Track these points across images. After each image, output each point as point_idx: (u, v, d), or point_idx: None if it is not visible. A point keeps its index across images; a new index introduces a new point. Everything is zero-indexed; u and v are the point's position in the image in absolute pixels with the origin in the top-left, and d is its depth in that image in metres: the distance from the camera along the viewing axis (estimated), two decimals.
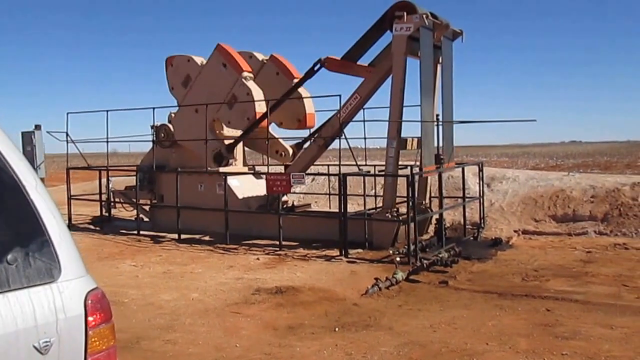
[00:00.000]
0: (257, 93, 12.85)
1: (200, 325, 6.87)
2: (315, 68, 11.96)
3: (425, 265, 9.32)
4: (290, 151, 14.12)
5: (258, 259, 10.59)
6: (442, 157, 11.49)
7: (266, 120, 12.49)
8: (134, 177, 14.51)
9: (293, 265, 9.97)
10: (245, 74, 12.99)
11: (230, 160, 13.51)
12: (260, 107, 12.65)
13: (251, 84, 12.96)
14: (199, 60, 13.78)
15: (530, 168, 38.32)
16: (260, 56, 14.05)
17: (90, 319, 2.71)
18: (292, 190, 13.97)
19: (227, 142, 13.46)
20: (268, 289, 8.36)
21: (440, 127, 11.57)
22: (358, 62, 12.26)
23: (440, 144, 11.60)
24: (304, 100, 13.40)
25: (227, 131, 13.83)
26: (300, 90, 13.25)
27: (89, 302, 2.72)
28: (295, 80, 13.08)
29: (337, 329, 6.63)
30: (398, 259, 9.20)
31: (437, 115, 11.65)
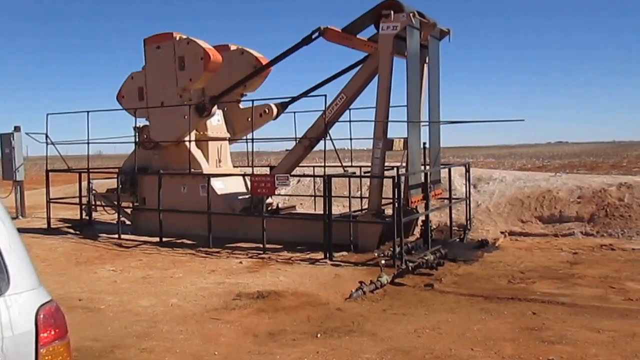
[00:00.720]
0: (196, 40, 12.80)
1: (178, 332, 6.66)
2: (314, 36, 11.43)
3: (410, 268, 9.17)
4: (275, 110, 13.86)
5: (241, 262, 10.38)
6: (431, 185, 11.33)
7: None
8: (119, 179, 14.24)
9: (276, 269, 9.77)
10: (176, 35, 12.90)
11: (213, 112, 13.23)
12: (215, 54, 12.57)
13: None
14: (141, 70, 13.70)
15: (517, 169, 38.40)
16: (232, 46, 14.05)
17: (42, 335, 2.49)
18: (277, 192, 13.79)
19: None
20: (249, 293, 8.16)
21: (427, 129, 11.44)
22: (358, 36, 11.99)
23: (427, 146, 11.48)
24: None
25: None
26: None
27: (41, 316, 2.51)
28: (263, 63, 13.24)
29: (319, 335, 6.45)
30: (383, 261, 9.04)
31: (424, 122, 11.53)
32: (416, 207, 12.35)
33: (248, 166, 15.49)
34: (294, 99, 13.70)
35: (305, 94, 13.34)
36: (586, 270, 9.30)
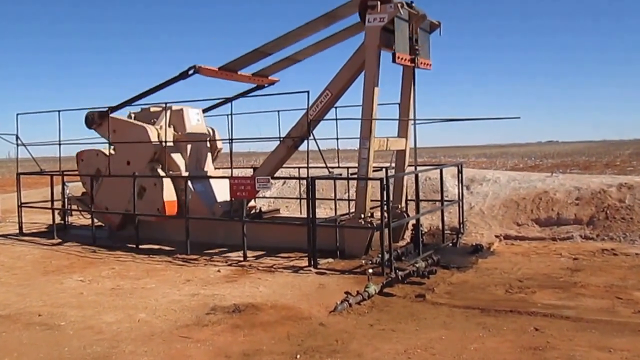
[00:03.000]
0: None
1: (142, 353, 5.97)
2: (190, 72, 11.69)
3: (400, 277, 8.51)
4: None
5: (219, 271, 9.69)
6: (417, 49, 10.56)
7: None
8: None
9: (256, 279, 9.08)
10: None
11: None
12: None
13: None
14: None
15: (510, 168, 37.92)
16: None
17: None
18: (261, 194, 13.12)
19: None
20: (225, 307, 7.47)
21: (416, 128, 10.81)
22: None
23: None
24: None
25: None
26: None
27: None
28: None
29: (299, 356, 5.78)
30: (371, 270, 8.37)
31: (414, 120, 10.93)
32: (406, 210, 11.72)
33: (234, 167, 14.83)
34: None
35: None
36: (589, 278, 8.67)
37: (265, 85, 13.43)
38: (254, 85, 13.44)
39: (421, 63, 10.76)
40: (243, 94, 13.64)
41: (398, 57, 9.97)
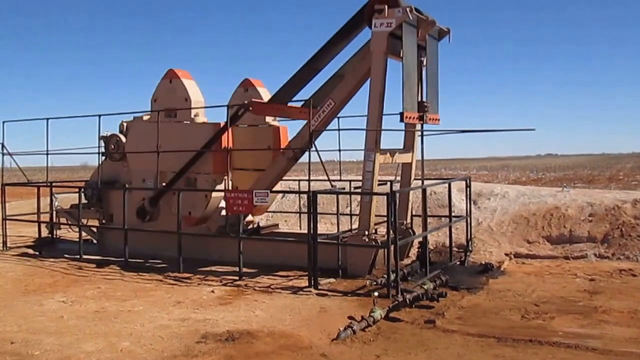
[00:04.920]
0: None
1: None
2: (240, 113, 10.96)
3: (408, 300, 7.88)
4: None
5: (213, 291, 9.04)
6: (426, 104, 10.02)
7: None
8: (85, 194, 12.94)
9: (253, 300, 8.44)
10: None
11: (156, 215, 11.98)
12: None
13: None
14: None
15: (512, 182, 37.41)
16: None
17: None
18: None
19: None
20: (217, 334, 6.83)
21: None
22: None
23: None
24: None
25: None
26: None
27: None
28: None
29: None
30: (376, 294, 7.73)
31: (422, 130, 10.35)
32: (411, 226, 11.10)
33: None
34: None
35: None
36: (610, 303, 8.05)
37: None
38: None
39: (429, 119, 10.19)
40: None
41: (406, 117, 9.44)
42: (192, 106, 11.56)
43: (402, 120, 9.43)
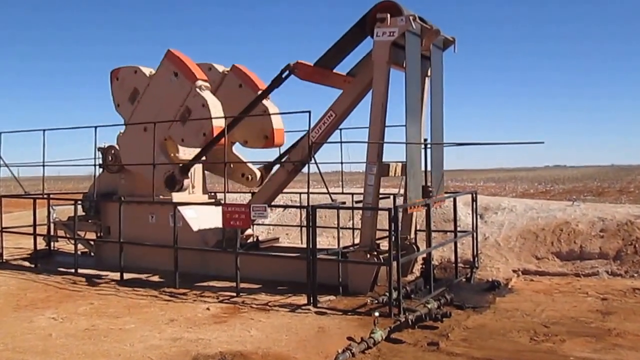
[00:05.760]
0: (214, 104, 11.10)
1: None
2: (284, 75, 10.24)
3: (410, 321, 7.51)
4: (258, 174, 12.45)
5: (208, 309, 8.71)
6: (430, 189, 9.79)
7: (225, 137, 10.67)
8: (80, 206, 12.70)
9: (249, 319, 8.10)
10: (199, 82, 11.27)
11: (186, 185, 11.61)
12: (219, 122, 10.88)
13: (207, 94, 11.19)
14: (148, 71, 12.02)
15: (521, 194, 36.91)
16: (220, 68, 12.31)
17: None
18: (261, 221, 12.19)
19: (181, 163, 11.66)
20: (209, 356, 6.51)
21: (429, 151, 9.89)
22: (334, 70, 10.60)
23: (429, 169, 9.93)
24: (271, 114, 11.68)
25: (183, 153, 12.04)
26: (267, 103, 11.57)
27: None
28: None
29: None
30: (377, 313, 7.37)
31: (425, 140, 10.01)
32: (415, 241, 10.74)
33: (231, 191, 13.95)
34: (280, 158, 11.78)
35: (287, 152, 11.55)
36: (624, 325, 7.65)
37: None
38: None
39: (433, 204, 9.94)
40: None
41: (410, 208, 9.28)
42: None
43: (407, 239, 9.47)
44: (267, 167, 12.42)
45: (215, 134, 10.88)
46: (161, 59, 11.66)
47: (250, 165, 12.56)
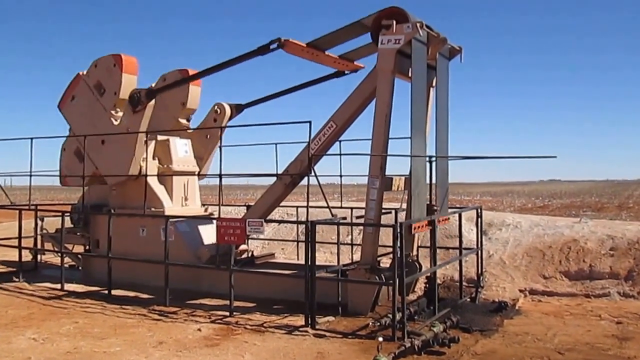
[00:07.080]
0: None
1: None
2: (272, 47, 9.58)
3: (416, 347, 7.02)
4: (228, 109, 12.49)
5: (199, 329, 8.18)
6: (435, 207, 9.33)
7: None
8: (71, 218, 12.23)
9: (242, 342, 7.58)
10: (81, 73, 12.02)
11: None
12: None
13: None
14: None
15: (518, 208, 36.51)
16: None
17: None
18: (256, 236, 11.70)
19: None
20: None
21: (434, 166, 9.44)
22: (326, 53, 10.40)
23: (434, 183, 9.49)
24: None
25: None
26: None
27: None
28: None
29: None
30: (381, 339, 6.87)
31: (430, 157, 9.57)
32: (417, 258, 10.26)
33: (223, 204, 13.44)
34: (250, 104, 12.67)
35: (265, 99, 12.48)
36: None
37: (346, 72, 11.29)
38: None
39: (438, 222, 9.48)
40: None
41: (414, 228, 8.69)
42: None
43: (410, 232, 8.75)
44: (237, 105, 12.59)
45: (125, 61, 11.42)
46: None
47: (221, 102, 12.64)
